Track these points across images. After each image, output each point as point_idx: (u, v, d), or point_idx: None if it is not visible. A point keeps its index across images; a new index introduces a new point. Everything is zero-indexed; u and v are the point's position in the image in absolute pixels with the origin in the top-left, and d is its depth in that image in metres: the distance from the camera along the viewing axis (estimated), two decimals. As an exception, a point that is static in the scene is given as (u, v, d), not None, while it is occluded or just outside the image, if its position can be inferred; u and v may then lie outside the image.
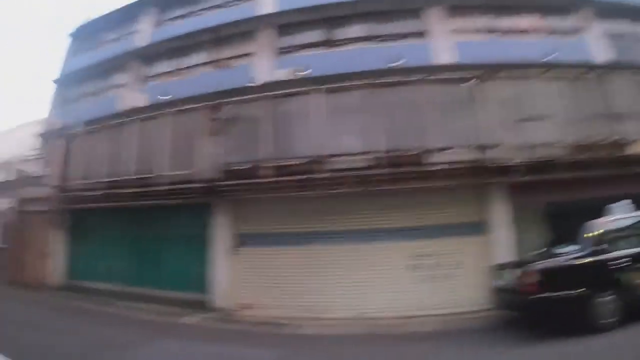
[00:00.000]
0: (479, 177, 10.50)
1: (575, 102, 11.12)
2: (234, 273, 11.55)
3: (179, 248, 12.80)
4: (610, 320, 6.93)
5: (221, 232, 11.77)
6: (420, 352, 7.61)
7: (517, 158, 10.38)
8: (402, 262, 10.66)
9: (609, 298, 7.02)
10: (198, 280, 11.67)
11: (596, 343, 6.44)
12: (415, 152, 10.35)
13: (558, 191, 10.68)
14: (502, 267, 9.02)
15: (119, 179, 12.94)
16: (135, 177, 12.59)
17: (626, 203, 8.83)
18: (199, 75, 15.45)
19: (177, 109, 12.62)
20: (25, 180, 18.97)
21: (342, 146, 10.39)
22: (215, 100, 11.98)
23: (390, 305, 10.24)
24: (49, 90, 22.26)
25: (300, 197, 10.66)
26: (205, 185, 11.16)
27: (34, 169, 19.96)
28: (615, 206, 8.75)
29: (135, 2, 19.90)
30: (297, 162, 10.41)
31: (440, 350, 7.63)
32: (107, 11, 21.37)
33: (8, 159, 24.48)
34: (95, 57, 20.03)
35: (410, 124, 10.65)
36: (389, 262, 10.67)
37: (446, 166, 10.23)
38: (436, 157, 10.36)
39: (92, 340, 8.04)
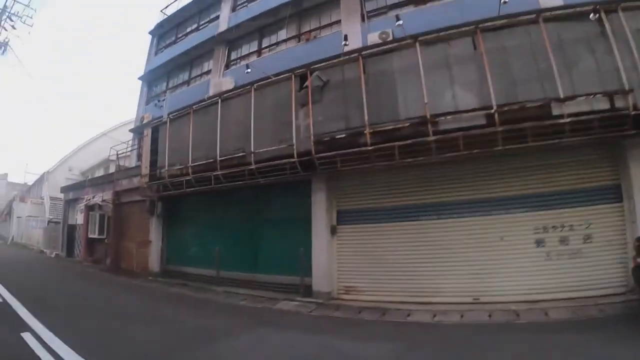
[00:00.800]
0: (614, 129, 8.50)
1: None
2: (334, 254, 10.70)
3: (275, 229, 12.19)
4: None
5: (320, 210, 10.93)
6: (557, 348, 5.94)
7: None
8: (523, 236, 9.09)
9: None
10: (296, 262, 10.90)
11: None
12: (535, 105, 8.70)
13: None
14: None
15: (208, 161, 12.51)
16: (225, 157, 12.07)
17: None
18: (285, 52, 14.75)
19: (264, 82, 11.90)
20: (120, 173, 19.58)
21: (451, 104, 8.96)
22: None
23: (511, 288, 8.85)
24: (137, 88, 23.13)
25: (405, 165, 9.47)
26: (300, 159, 10.34)
27: (128, 163, 20.65)
28: None
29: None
30: (400, 126, 9.18)
31: (582, 347, 5.91)
32: (182, 5, 21.71)
33: (107, 157, 25.87)
34: (178, 49, 20.44)
35: (527, 72, 8.80)
36: (508, 236, 9.16)
37: (573, 119, 8.38)
38: (561, 109, 8.59)
39: (184, 330, 7.53)
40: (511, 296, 8.69)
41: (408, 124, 9.10)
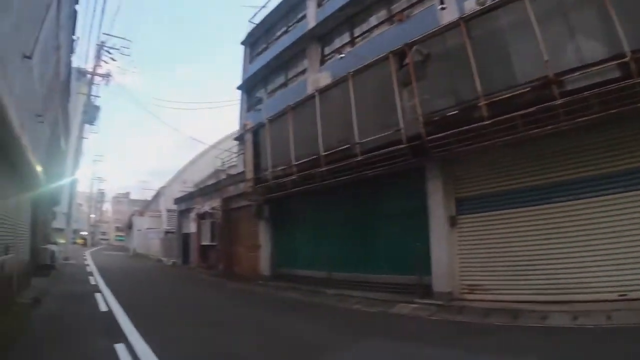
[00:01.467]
0: None
1: None
2: (455, 248, 9.57)
3: (388, 225, 11.34)
4: None
5: (436, 200, 9.88)
6: None
7: None
8: None
9: None
10: (412, 260, 9.98)
11: None
12: None
13: None
14: None
15: (312, 158, 12.08)
16: (329, 152, 11.54)
17: None
18: (378, 37, 13.93)
19: (360, 67, 11.17)
20: (227, 180, 20.13)
21: (575, 58, 7.40)
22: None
23: None
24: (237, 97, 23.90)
25: (530, 138, 8.07)
26: (410, 144, 9.40)
27: (234, 170, 21.21)
28: None
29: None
30: (519, 92, 7.79)
31: None
32: (269, 11, 21.91)
33: (217, 168, 27.06)
34: (271, 54, 20.54)
35: None
36: None
37: None
38: None
39: (292, 341, 6.77)
40: None
41: (528, 89, 7.73)
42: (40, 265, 15.27)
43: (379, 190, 11.59)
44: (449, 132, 8.67)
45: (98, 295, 10.87)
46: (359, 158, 10.51)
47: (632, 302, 6.95)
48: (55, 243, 20.05)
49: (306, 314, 9.59)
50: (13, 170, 8.51)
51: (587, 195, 7.93)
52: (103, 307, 9.51)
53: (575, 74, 7.34)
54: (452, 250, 9.55)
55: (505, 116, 7.90)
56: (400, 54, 10.06)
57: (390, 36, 12.52)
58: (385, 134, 9.92)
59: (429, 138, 8.98)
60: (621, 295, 7.23)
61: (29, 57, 6.22)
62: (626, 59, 6.80)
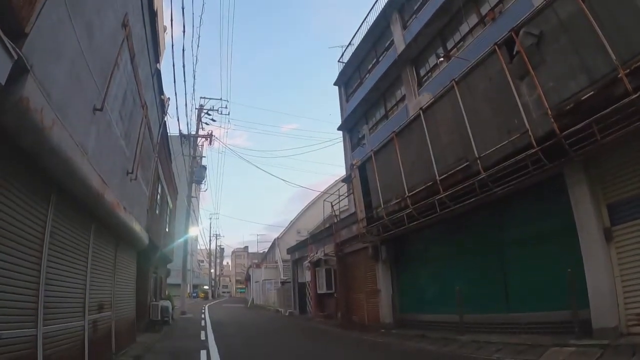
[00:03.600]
0: None
1: None
2: (614, 268, 7.35)
3: (525, 251, 9.41)
4: None
5: (583, 210, 7.82)
6: None
7: None
8: None
9: None
10: (562, 290, 7.93)
11: None
12: None
13: None
14: None
15: (427, 185, 10.72)
16: (446, 174, 10.12)
17: None
18: (474, 43, 12.58)
19: (464, 71, 9.84)
20: (339, 224, 19.30)
21: None
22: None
23: None
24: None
25: None
26: (541, 146, 7.65)
27: (346, 214, 20.45)
28: None
29: (376, 21, 19.50)
30: None
31: None
32: (354, 48, 21.83)
33: (330, 214, 26.60)
34: (366, 87, 20.18)
35: None
36: None
37: None
38: None
39: None
40: None
41: None
42: (151, 321, 15.44)
43: (511, 210, 9.87)
44: (589, 120, 6.84)
45: (203, 353, 10.23)
46: (482, 175, 8.92)
47: None
48: (168, 298, 20.56)
49: None
50: (107, 231, 8.42)
51: None
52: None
53: None
54: (611, 272, 7.36)
55: None
56: (507, 44, 8.62)
57: (487, 39, 11.10)
58: (510, 140, 8.31)
59: (564, 133, 7.19)
60: None
61: (99, 110, 6.04)
62: None
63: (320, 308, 22.10)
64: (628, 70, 6.31)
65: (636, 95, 6.19)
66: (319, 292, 21.78)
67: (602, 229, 7.58)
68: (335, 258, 19.07)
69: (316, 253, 22.17)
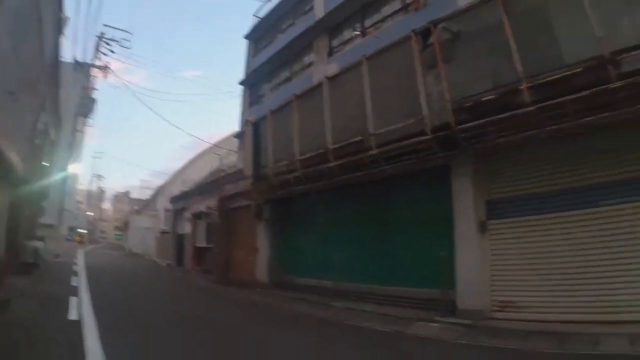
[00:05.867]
0: None
1: None
2: (485, 258, 7.95)
3: (407, 231, 9.74)
4: None
5: (463, 201, 8.26)
6: None
7: None
8: None
9: None
10: (435, 271, 8.42)
11: None
12: None
13: None
14: None
15: (319, 152, 10.48)
16: (339, 145, 9.94)
17: None
18: (392, 28, 12.50)
19: (377, 50, 9.64)
20: (225, 178, 18.62)
21: (633, 35, 5.95)
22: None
23: None
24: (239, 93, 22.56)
25: (581, 128, 6.65)
26: (436, 134, 7.83)
27: (233, 167, 19.77)
28: None
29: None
30: (569, 73, 6.30)
31: None
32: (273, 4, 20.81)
33: (218, 167, 25.58)
34: (276, 47, 19.29)
35: None
36: None
37: None
38: None
39: None
40: None
41: (579, 70, 6.27)
42: (22, 263, 13.70)
43: (398, 190, 10.04)
44: (484, 120, 7.09)
45: (73, 300, 9.26)
46: (374, 152, 8.92)
47: None
48: (41, 239, 18.48)
49: (311, 331, 8.16)
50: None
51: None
52: (73, 315, 7.80)
53: (633, 53, 5.94)
54: (482, 261, 7.93)
55: (552, 101, 6.41)
56: (424, 34, 8.54)
57: (405, 27, 11.00)
58: (406, 123, 8.34)
59: (459, 127, 7.39)
60: None
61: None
62: None
63: (198, 262, 21.41)
64: (531, 84, 6.62)
65: (533, 108, 6.55)
66: (198, 245, 21.09)
67: (479, 222, 8.05)
68: (217, 212, 18.44)
69: (199, 205, 21.32)
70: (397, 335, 7.38)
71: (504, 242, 7.83)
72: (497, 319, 7.52)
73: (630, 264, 6.48)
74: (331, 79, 10.83)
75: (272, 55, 19.21)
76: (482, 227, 8.01)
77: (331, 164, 10.06)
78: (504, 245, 7.82)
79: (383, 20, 13.61)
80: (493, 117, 7.01)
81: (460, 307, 7.97)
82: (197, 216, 21.62)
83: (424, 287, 8.80)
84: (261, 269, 14.33)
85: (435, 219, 8.90)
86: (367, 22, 14.33)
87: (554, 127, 6.69)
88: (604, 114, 6.29)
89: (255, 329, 8.07)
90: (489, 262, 7.92)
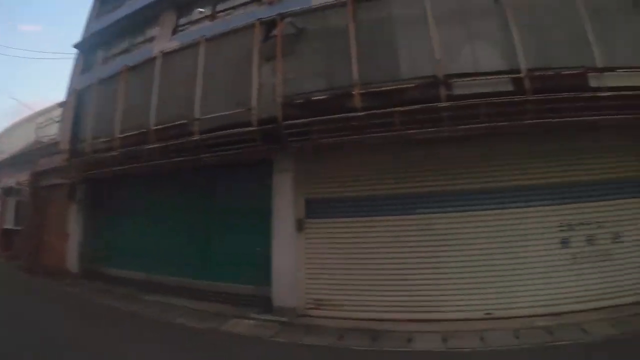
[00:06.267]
0: None
1: None
2: (302, 256, 7.89)
3: (227, 223, 9.16)
4: None
5: (283, 198, 8.05)
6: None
7: None
8: (546, 234, 7.18)
9: None
10: (253, 267, 8.10)
11: None
12: (571, 73, 6.66)
13: None
14: None
15: (141, 132, 9.33)
16: (162, 126, 8.95)
17: None
18: (244, 15, 11.73)
19: (218, 34, 8.97)
20: (40, 150, 15.83)
21: (469, 63, 6.67)
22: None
23: (530, 299, 6.88)
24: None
25: (405, 140, 6.96)
26: (263, 127, 7.42)
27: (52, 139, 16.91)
28: None
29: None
30: (403, 87, 6.62)
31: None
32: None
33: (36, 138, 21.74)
34: (122, 13, 16.91)
35: (558, 34, 7.03)
36: (530, 234, 7.15)
37: (613, 93, 6.62)
38: (599, 81, 6.72)
39: None
40: (531, 308, 6.81)
41: (414, 85, 6.54)
42: None
43: (221, 181, 9.40)
44: (312, 119, 6.96)
45: None
46: (196, 137, 8.17)
47: (500, 321, 6.60)
48: None
49: (118, 327, 7.41)
50: None
51: (454, 208, 7.30)
52: None
53: (467, 79, 6.63)
54: (298, 259, 7.85)
55: (382, 110, 6.61)
56: (269, 25, 8.19)
57: (257, 16, 10.37)
58: (233, 112, 7.78)
59: (286, 123, 7.11)
60: (487, 314, 6.85)
61: None
62: (521, 75, 6.49)
63: (6, 246, 17.97)
64: (364, 91, 6.70)
65: (362, 114, 6.62)
66: (5, 227, 17.77)
67: (296, 219, 7.89)
68: (29, 190, 15.63)
69: (10, 180, 17.97)
70: (210, 333, 6.97)
71: (321, 241, 7.87)
72: (313, 316, 7.57)
73: (437, 268, 7.07)
74: (166, 54, 9.82)
75: (116, 21, 16.71)
76: (300, 225, 7.90)
77: (152, 146, 9.00)
78: (321, 244, 7.88)
79: (235, 7, 12.79)
80: (321, 117, 6.91)
81: (276, 304, 7.78)
82: (7, 192, 18.21)
83: (242, 283, 8.46)
84: (72, 257, 12.44)
85: (256, 214, 8.51)
86: (220, 7, 13.35)
87: (379, 134, 6.82)
88: (427, 129, 6.63)
89: (55, 324, 7.30)
90: (305, 260, 7.89)
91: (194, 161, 8.65)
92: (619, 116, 6.88)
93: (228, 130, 7.77)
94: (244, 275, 8.33)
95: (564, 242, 7.17)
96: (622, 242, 7.33)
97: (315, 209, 7.98)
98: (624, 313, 6.57)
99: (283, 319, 7.34)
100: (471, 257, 7.08)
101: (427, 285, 7.08)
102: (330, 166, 7.90)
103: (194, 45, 9.20)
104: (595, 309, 6.77)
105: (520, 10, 6.89)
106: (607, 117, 6.79)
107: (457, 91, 6.44)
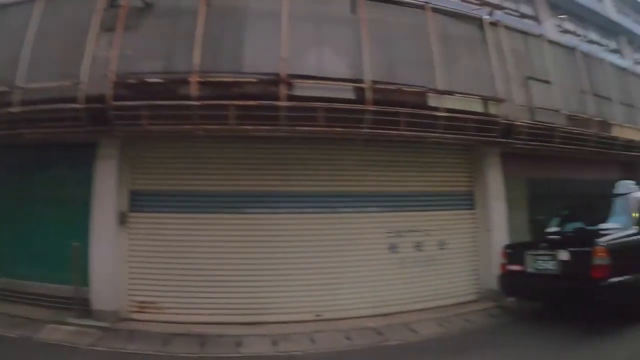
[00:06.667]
0: (484, 134, 7.82)
1: (571, 74, 10.11)
2: (124, 254, 7.06)
3: (45, 214, 7.69)
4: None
5: (105, 187, 7.01)
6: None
7: (522, 119, 8.44)
8: (376, 239, 7.70)
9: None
10: (71, 265, 6.83)
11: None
12: (412, 90, 6.99)
13: (542, 166, 10.00)
14: (519, 247, 7.18)
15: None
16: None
17: (632, 183, 7.90)
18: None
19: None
20: None
21: (315, 66, 6.61)
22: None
23: (359, 301, 7.28)
24: None
25: (240, 136, 6.68)
26: (90, 105, 6.37)
27: None
28: (623, 184, 7.83)
29: None
30: (244, 80, 6.26)
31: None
32: None
33: None
34: None
35: (406, 55, 7.57)
36: (359, 238, 7.57)
37: (449, 114, 7.24)
38: (438, 101, 7.26)
39: None
40: (360, 310, 7.17)
41: (255, 80, 6.25)
42: None
43: (41, 163, 7.92)
44: (143, 102, 6.19)
45: None
46: (17, 109, 6.77)
47: (330, 323, 6.72)
48: None
49: None
50: None
51: (285, 210, 7.34)
52: None
53: (310, 81, 6.52)
54: (120, 257, 6.99)
55: (219, 102, 6.14)
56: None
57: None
58: (60, 84, 6.64)
59: (115, 103, 6.24)
60: (317, 316, 6.96)
61: None
62: (364, 86, 6.63)
63: None
64: (202, 80, 6.15)
65: (197, 103, 6.06)
66: None
67: (118, 212, 7.02)
68: None
69: None
70: (22, 341, 5.77)
71: (147, 237, 7.15)
72: (138, 320, 6.80)
73: (267, 269, 6.96)
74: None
75: None
76: (122, 219, 7.07)
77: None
78: (146, 241, 7.14)
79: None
80: (153, 102, 6.17)
81: (96, 308, 6.81)
82: None
83: (59, 282, 7.15)
84: None
85: (77, 203, 7.35)
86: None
87: (214, 126, 6.34)
88: (265, 127, 6.40)
89: None
90: (128, 258, 7.07)
91: (11, 137, 7.23)
92: (452, 135, 7.45)
93: (51, 105, 6.57)
94: (61, 274, 7.08)
95: (392, 248, 7.68)
96: (447, 249, 8.18)
97: (141, 201, 7.22)
98: (449, 313, 7.26)
99: (104, 324, 6.42)
100: (302, 259, 7.11)
101: (256, 287, 6.91)
102: (161, 156, 7.24)
103: (30, 0, 7.72)
104: (423, 310, 7.39)
105: (374, 24, 7.14)
106: (442, 135, 7.31)
107: (299, 92, 6.29)
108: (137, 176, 7.22)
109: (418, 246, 7.87)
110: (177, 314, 6.78)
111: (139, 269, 7.03)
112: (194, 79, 6.11)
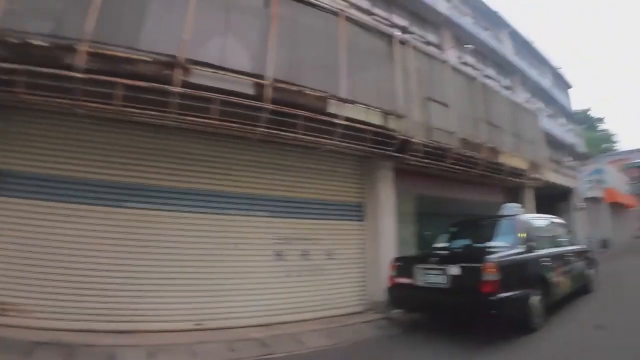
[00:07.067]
0: (381, 146, 8.16)
1: (469, 101, 10.92)
2: None
3: None
4: (539, 319, 6.27)
5: None
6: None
7: (419, 137, 8.77)
8: (263, 245, 7.46)
9: (539, 297, 6.35)
10: None
11: (544, 344, 5.64)
12: (314, 94, 7.01)
13: (432, 184, 10.69)
14: (408, 261, 7.21)
15: None
16: None
17: (517, 206, 8.81)
18: None
19: None
20: None
21: (216, 55, 6.22)
22: None
23: (243, 309, 6.95)
24: None
25: (128, 120, 6.12)
26: None
27: None
28: (509, 206, 8.66)
29: None
30: (137, 58, 5.70)
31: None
32: None
33: None
34: None
35: (312, 58, 7.43)
36: (246, 243, 7.26)
37: (348, 123, 7.36)
38: (338, 109, 7.32)
39: None
40: (245, 319, 6.86)
41: (150, 60, 5.80)
42: None
43: None
44: (21, 67, 5.39)
45: None
46: None
47: (212, 333, 6.31)
48: None
49: None
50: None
51: (165, 207, 6.72)
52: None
53: (209, 69, 6.11)
54: None
55: (106, 77, 5.55)
56: None
57: None
58: None
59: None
60: (198, 325, 6.50)
61: None
62: (265, 82, 6.41)
63: None
64: (92, 51, 5.50)
65: (82, 76, 5.41)
66: None
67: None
68: None
69: None
70: None
71: (9, 227, 5.99)
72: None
73: (148, 270, 6.36)
74: None
75: None
76: None
77: None
78: (8, 231, 5.98)
79: None
80: (33, 67, 5.41)
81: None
82: None
83: None
84: None
85: None
86: None
87: (97, 105, 5.73)
88: (152, 112, 5.90)
89: None
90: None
91: None
92: (349, 144, 7.56)
93: None
94: None
95: (279, 255, 7.52)
96: (335, 259, 8.21)
97: (6, 184, 6.07)
98: (337, 324, 7.18)
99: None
100: (182, 262, 6.60)
101: (132, 291, 6.24)
102: (35, 132, 6.27)
103: None
104: (310, 320, 7.26)
105: (285, 22, 6.95)
106: (338, 143, 7.39)
107: (195, 80, 5.90)
108: (5, 154, 6.11)
109: (305, 254, 7.77)
110: (44, 318, 5.83)
111: (5, 265, 5.89)
112: (83, 47, 5.45)
